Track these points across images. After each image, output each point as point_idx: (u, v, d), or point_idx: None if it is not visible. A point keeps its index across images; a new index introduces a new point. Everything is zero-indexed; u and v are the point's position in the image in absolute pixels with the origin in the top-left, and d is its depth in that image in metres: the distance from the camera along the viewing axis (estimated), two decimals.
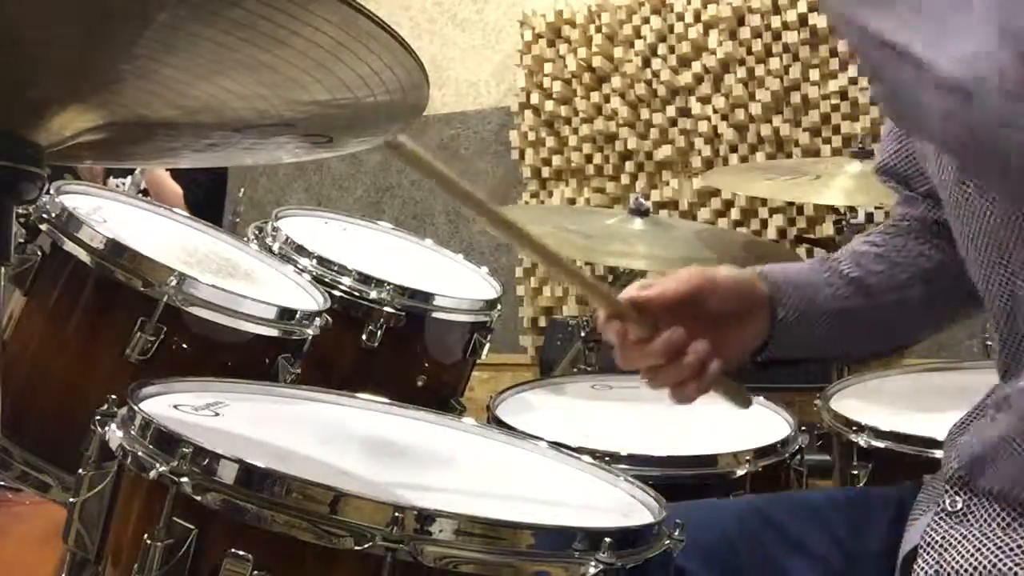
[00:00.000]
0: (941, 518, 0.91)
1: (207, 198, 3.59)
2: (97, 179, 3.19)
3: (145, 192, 3.45)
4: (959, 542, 0.88)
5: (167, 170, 3.41)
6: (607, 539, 0.80)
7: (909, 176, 1.13)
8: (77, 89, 0.67)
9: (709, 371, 1.04)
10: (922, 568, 0.90)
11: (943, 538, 0.89)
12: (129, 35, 0.60)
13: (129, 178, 3.31)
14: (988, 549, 0.86)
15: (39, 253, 1.30)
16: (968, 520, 0.88)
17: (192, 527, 0.80)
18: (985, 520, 0.88)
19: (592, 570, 0.78)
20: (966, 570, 0.86)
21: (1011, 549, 0.85)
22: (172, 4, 0.58)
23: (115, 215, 1.45)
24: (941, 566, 0.88)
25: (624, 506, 1.00)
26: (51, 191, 1.32)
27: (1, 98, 0.66)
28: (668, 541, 0.88)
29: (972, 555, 0.86)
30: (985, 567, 0.85)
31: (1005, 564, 0.84)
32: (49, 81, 0.65)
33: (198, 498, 0.79)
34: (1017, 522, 0.86)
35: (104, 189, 1.63)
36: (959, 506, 0.90)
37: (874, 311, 1.13)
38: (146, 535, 0.80)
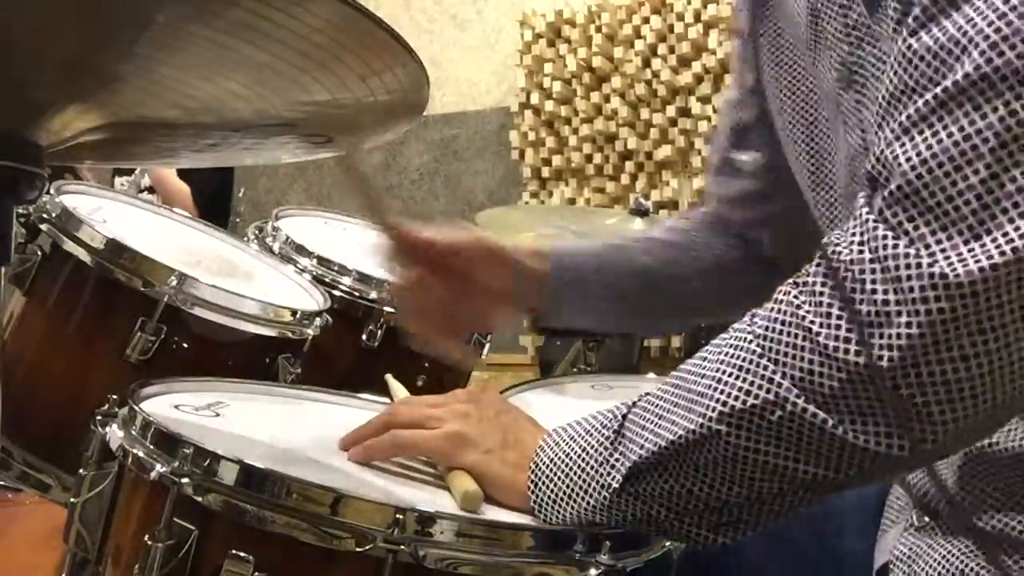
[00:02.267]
0: (910, 532, 0.91)
1: (215, 196, 3.59)
2: (102, 179, 3.19)
3: (150, 190, 3.45)
4: (926, 552, 0.88)
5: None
6: (607, 541, 0.80)
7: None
8: (77, 89, 0.67)
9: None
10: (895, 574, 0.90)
11: (911, 549, 0.90)
12: (129, 35, 0.60)
13: (128, 178, 3.31)
14: (955, 556, 0.86)
15: (39, 253, 1.30)
16: (936, 532, 0.89)
17: (193, 528, 0.79)
18: (952, 531, 0.88)
19: (592, 572, 0.78)
20: (937, 574, 0.87)
21: (981, 553, 0.85)
22: (172, 4, 0.58)
23: (115, 215, 1.45)
24: (914, 573, 0.89)
25: None
26: (51, 191, 1.32)
27: (1, 98, 0.66)
28: (668, 543, 0.88)
29: (940, 562, 0.87)
30: (953, 572, 0.85)
31: (971, 568, 0.84)
32: (49, 81, 0.65)
33: (199, 499, 0.79)
34: (983, 533, 0.86)
35: (104, 189, 1.63)
36: (926, 522, 0.90)
37: (664, 298, 1.23)
38: (147, 536, 0.80)
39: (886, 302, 0.68)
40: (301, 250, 1.61)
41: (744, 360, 0.74)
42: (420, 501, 0.83)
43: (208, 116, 0.73)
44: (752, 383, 0.73)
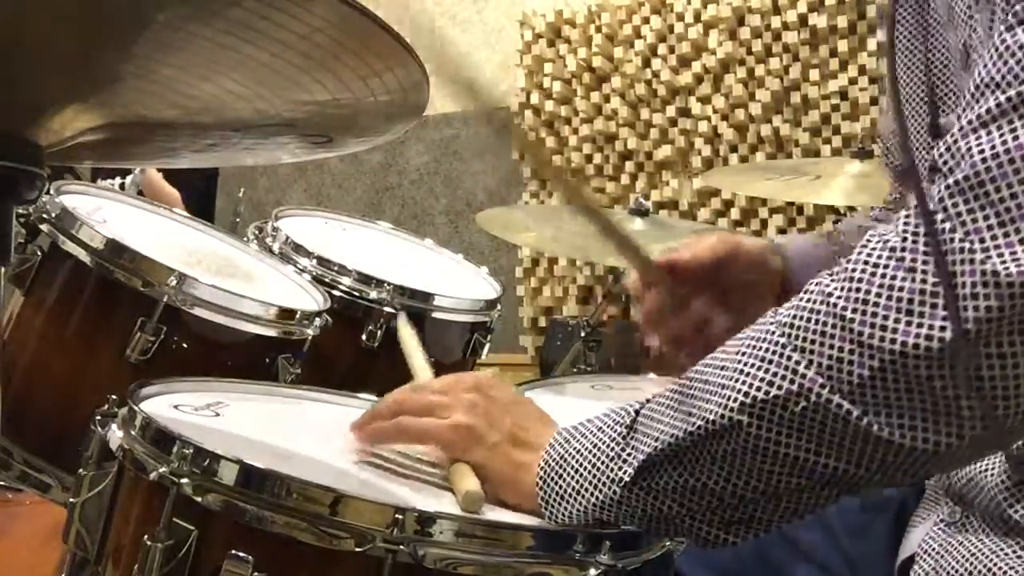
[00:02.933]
0: (940, 528, 0.91)
1: (202, 199, 3.59)
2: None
3: (140, 194, 3.44)
4: (955, 548, 0.88)
5: (161, 173, 3.41)
6: (607, 541, 0.80)
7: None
8: (77, 89, 0.67)
9: None
10: (918, 573, 0.90)
11: (940, 545, 0.90)
12: (128, 35, 0.60)
13: (129, 178, 3.30)
14: (983, 554, 0.86)
15: (39, 253, 1.30)
16: (966, 529, 0.89)
17: (192, 528, 0.79)
18: (982, 528, 0.88)
19: (592, 572, 0.78)
20: (961, 574, 0.87)
21: (1006, 554, 0.85)
22: (171, 5, 0.58)
23: (115, 215, 1.45)
24: (938, 571, 0.89)
25: None
26: (51, 191, 1.32)
27: (1, 98, 0.66)
28: (668, 543, 0.88)
29: (968, 559, 0.87)
30: (980, 571, 0.85)
31: (1000, 567, 0.84)
32: (49, 81, 0.65)
33: (198, 499, 0.79)
34: (1012, 532, 0.86)
35: (105, 189, 1.63)
36: (957, 517, 0.90)
37: None
38: (146, 536, 0.80)
39: (935, 293, 0.67)
40: (301, 250, 1.61)
41: (767, 351, 0.73)
42: (420, 501, 0.83)
43: (208, 116, 0.73)
44: (776, 373, 0.72)
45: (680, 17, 3.71)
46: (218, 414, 1.00)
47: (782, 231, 3.53)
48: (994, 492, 0.86)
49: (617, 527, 0.81)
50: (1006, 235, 0.66)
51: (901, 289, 0.68)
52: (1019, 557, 0.84)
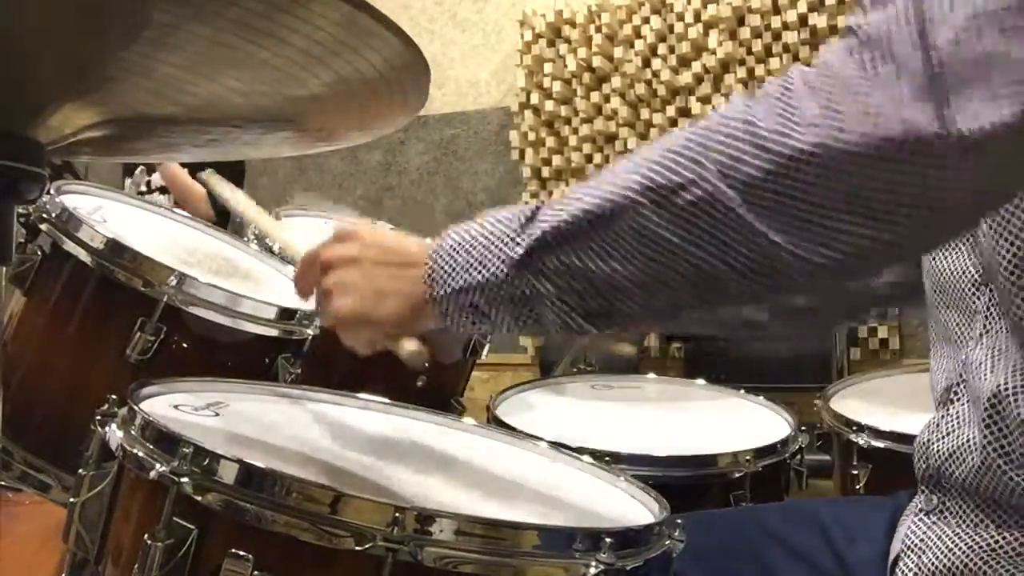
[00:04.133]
0: (920, 518, 0.92)
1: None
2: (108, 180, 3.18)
3: (162, 190, 3.43)
4: (935, 543, 0.90)
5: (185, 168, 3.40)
6: (607, 539, 0.80)
7: None
8: (76, 88, 0.67)
9: None
10: (904, 569, 0.91)
11: (921, 540, 0.91)
12: (128, 34, 0.60)
13: (128, 180, 3.30)
14: (960, 549, 0.87)
15: (39, 253, 1.30)
16: (945, 517, 0.90)
17: (192, 527, 0.79)
18: (959, 517, 0.89)
19: (592, 570, 0.78)
20: (941, 571, 0.88)
21: (980, 548, 0.86)
22: (170, 5, 0.58)
23: (115, 215, 1.45)
24: (920, 568, 0.90)
25: (624, 506, 1.00)
26: (51, 191, 1.32)
27: (1, 97, 0.66)
28: (668, 541, 0.88)
29: (946, 555, 0.88)
30: (958, 567, 0.87)
31: (975, 563, 0.86)
32: (48, 80, 0.65)
33: (198, 498, 0.79)
34: (987, 520, 0.87)
35: (104, 189, 1.62)
36: (934, 504, 0.91)
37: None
38: (146, 535, 0.80)
39: (836, 112, 0.70)
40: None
41: (677, 145, 0.77)
42: (420, 499, 0.83)
43: (208, 112, 0.73)
44: (678, 163, 0.75)
45: (680, 17, 3.70)
46: (218, 414, 1.00)
47: None
48: (971, 474, 0.87)
49: (616, 526, 0.81)
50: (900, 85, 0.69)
51: (803, 109, 0.72)
52: (993, 550, 0.85)
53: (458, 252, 0.86)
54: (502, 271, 0.82)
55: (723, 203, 0.73)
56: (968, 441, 0.89)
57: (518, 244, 0.82)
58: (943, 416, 0.93)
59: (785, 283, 0.76)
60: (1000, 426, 0.85)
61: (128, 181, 3.32)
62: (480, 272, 0.83)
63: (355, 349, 0.99)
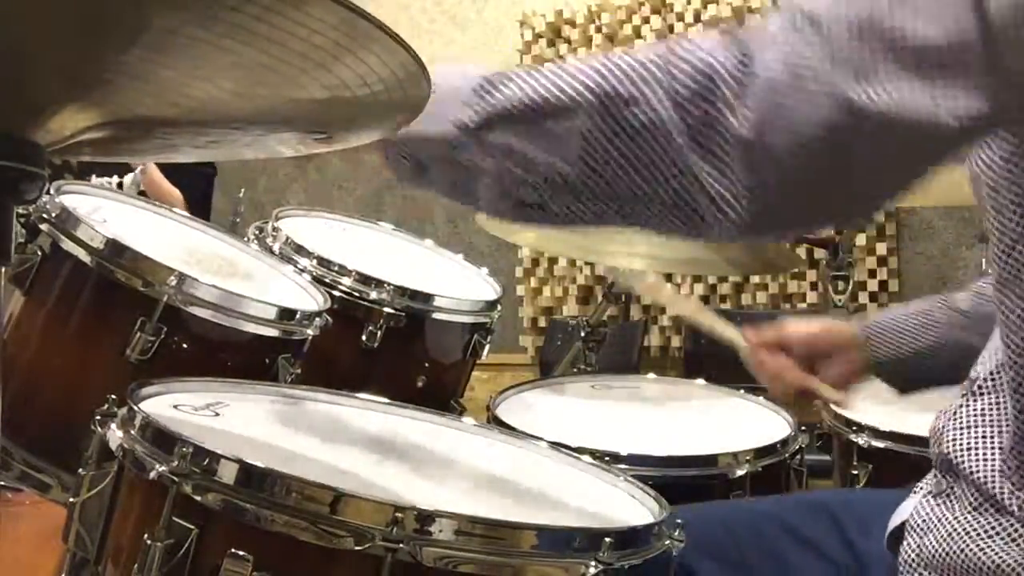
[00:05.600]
0: (927, 499, 0.93)
1: (202, 195, 3.60)
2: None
3: (142, 195, 3.45)
4: (937, 526, 0.90)
5: (161, 171, 3.41)
6: (607, 539, 0.80)
7: None
8: (75, 90, 0.67)
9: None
10: (907, 549, 0.92)
11: (925, 520, 0.92)
12: (127, 38, 0.60)
13: (128, 177, 3.30)
14: (958, 534, 0.88)
15: (39, 253, 1.30)
16: (950, 500, 0.90)
17: (192, 527, 0.80)
18: (962, 500, 0.89)
19: (592, 570, 0.78)
20: (939, 555, 0.89)
21: (977, 534, 0.87)
22: (169, 9, 0.58)
23: (115, 215, 1.45)
24: (922, 549, 0.91)
25: (624, 506, 1.00)
26: (51, 191, 1.32)
27: (1, 98, 0.66)
28: (668, 541, 0.88)
29: (945, 539, 0.89)
30: (956, 552, 0.87)
31: (971, 549, 0.87)
32: (47, 82, 0.65)
33: (198, 498, 0.79)
34: (985, 504, 0.88)
35: (105, 189, 1.63)
36: (943, 487, 0.92)
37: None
38: (146, 535, 0.80)
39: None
40: (301, 250, 1.61)
41: (640, 58, 0.77)
42: (420, 499, 0.83)
43: (208, 114, 0.73)
44: (637, 77, 0.76)
45: (680, 17, 3.71)
46: (218, 414, 1.00)
47: None
48: (985, 473, 0.87)
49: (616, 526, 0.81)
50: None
51: (761, 60, 0.74)
52: (990, 537, 0.86)
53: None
54: (452, 132, 0.81)
55: (668, 131, 0.74)
56: (988, 441, 0.89)
57: (473, 111, 0.81)
58: (962, 406, 0.93)
59: (697, 228, 0.77)
60: None
61: (95, 180, 3.32)
62: (433, 128, 0.82)
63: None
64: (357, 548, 0.76)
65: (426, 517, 0.77)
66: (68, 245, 1.29)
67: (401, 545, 0.75)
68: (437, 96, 0.80)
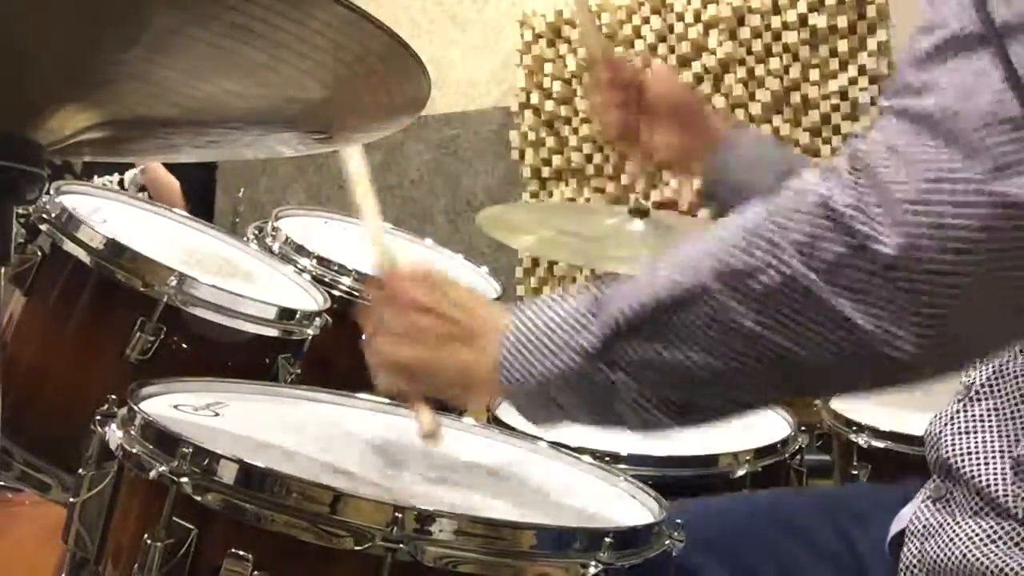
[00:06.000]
0: (926, 504, 0.92)
1: (203, 188, 3.60)
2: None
3: (143, 188, 3.45)
4: (937, 531, 0.90)
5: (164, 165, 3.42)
6: (607, 539, 0.80)
7: None
8: (75, 90, 0.67)
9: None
10: (907, 554, 0.92)
11: (925, 526, 0.91)
12: (127, 38, 0.60)
13: (128, 174, 3.30)
14: (960, 539, 0.88)
15: (39, 253, 1.30)
16: (950, 505, 0.90)
17: (192, 527, 0.80)
18: (962, 505, 0.89)
19: (592, 570, 0.78)
20: (941, 560, 0.88)
21: (980, 539, 0.87)
22: (168, 9, 0.58)
23: (115, 215, 1.45)
24: (923, 555, 0.91)
25: (624, 506, 1.00)
26: (51, 191, 1.32)
27: (1, 98, 0.66)
28: (668, 541, 0.88)
29: (947, 544, 0.89)
30: (957, 557, 0.87)
31: (973, 554, 0.86)
32: (47, 82, 0.65)
33: (198, 498, 0.79)
34: (987, 508, 0.88)
35: (105, 189, 1.63)
36: (943, 492, 0.92)
37: None
38: (146, 535, 0.80)
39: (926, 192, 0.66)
40: (301, 250, 1.61)
41: (749, 223, 0.73)
42: (420, 499, 0.83)
43: (208, 114, 0.73)
44: (753, 244, 0.71)
45: (680, 17, 3.70)
46: (218, 414, 1.00)
47: None
48: (987, 477, 0.87)
49: (616, 526, 0.81)
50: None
51: (890, 188, 0.67)
52: (993, 542, 0.86)
53: (529, 341, 0.81)
54: (575, 361, 0.78)
55: (803, 286, 0.69)
56: (989, 446, 0.89)
57: (590, 333, 0.78)
58: (959, 412, 0.93)
59: (881, 373, 0.72)
60: None
61: (97, 180, 3.32)
62: (552, 363, 0.79)
63: (377, 378, 0.94)
64: (357, 548, 0.76)
65: (426, 517, 0.77)
66: (68, 245, 1.29)
67: (401, 545, 0.75)
68: (551, 328, 0.79)
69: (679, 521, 0.90)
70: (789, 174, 1.07)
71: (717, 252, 0.73)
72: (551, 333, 0.80)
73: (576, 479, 1.09)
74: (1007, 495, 0.86)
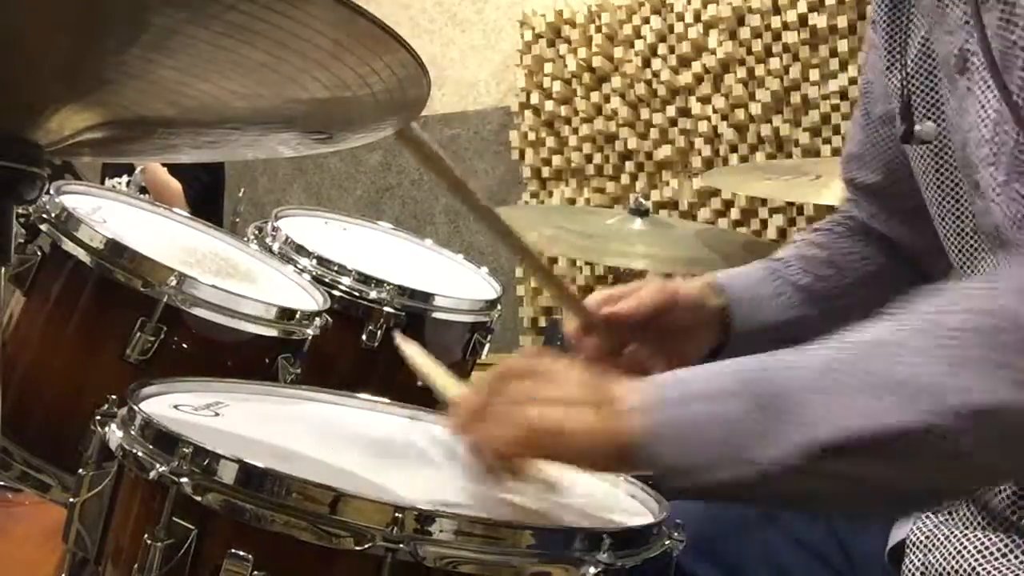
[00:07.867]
0: (928, 516, 0.92)
1: (207, 194, 3.59)
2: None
3: (144, 190, 3.44)
4: (942, 543, 0.89)
5: (165, 167, 3.41)
6: (607, 539, 0.80)
7: (871, 185, 1.15)
8: (75, 90, 0.67)
9: None
10: (909, 567, 0.91)
11: (927, 537, 0.90)
12: (126, 38, 0.60)
13: (127, 176, 3.30)
14: (968, 552, 0.87)
15: (39, 253, 1.30)
16: (953, 518, 0.89)
17: (192, 527, 0.80)
18: (966, 519, 0.88)
19: (592, 570, 0.78)
20: (948, 573, 0.87)
21: (990, 552, 0.86)
22: (168, 8, 0.58)
23: (115, 215, 1.45)
24: (927, 567, 0.90)
25: (624, 506, 1.00)
26: (51, 191, 1.32)
27: (0, 99, 0.66)
28: (668, 541, 0.88)
29: (953, 556, 0.87)
30: (965, 570, 0.86)
31: (984, 568, 0.85)
32: (47, 82, 0.65)
33: (198, 498, 0.79)
34: (995, 523, 0.87)
35: (105, 189, 1.63)
36: (946, 504, 0.91)
37: (821, 317, 1.16)
38: (146, 535, 0.80)
39: None
40: (301, 250, 1.61)
41: (971, 356, 0.69)
42: (420, 499, 0.83)
43: (207, 114, 0.73)
44: (991, 381, 0.67)
45: (680, 17, 3.70)
46: (218, 414, 1.00)
47: (782, 231, 3.53)
48: (995, 492, 0.87)
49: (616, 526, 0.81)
50: None
51: None
52: (1004, 556, 0.85)
53: (688, 442, 0.75)
54: (756, 472, 0.72)
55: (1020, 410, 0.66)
56: None
57: (772, 444, 0.72)
58: None
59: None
60: None
61: (108, 181, 3.33)
62: (727, 471, 0.73)
63: (485, 453, 0.88)
64: (357, 548, 0.76)
65: (426, 517, 0.77)
66: (68, 245, 1.29)
67: (401, 545, 0.75)
68: (711, 431, 0.73)
69: (679, 522, 0.90)
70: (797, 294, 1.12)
71: (952, 389, 0.68)
72: (715, 441, 0.74)
73: (576, 479, 1.09)
74: (1013, 510, 0.86)
